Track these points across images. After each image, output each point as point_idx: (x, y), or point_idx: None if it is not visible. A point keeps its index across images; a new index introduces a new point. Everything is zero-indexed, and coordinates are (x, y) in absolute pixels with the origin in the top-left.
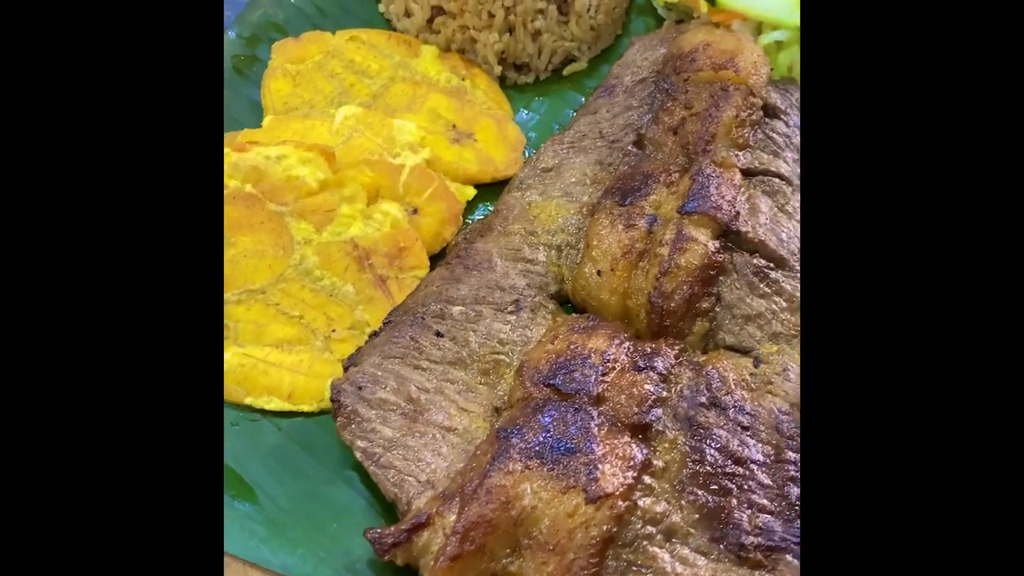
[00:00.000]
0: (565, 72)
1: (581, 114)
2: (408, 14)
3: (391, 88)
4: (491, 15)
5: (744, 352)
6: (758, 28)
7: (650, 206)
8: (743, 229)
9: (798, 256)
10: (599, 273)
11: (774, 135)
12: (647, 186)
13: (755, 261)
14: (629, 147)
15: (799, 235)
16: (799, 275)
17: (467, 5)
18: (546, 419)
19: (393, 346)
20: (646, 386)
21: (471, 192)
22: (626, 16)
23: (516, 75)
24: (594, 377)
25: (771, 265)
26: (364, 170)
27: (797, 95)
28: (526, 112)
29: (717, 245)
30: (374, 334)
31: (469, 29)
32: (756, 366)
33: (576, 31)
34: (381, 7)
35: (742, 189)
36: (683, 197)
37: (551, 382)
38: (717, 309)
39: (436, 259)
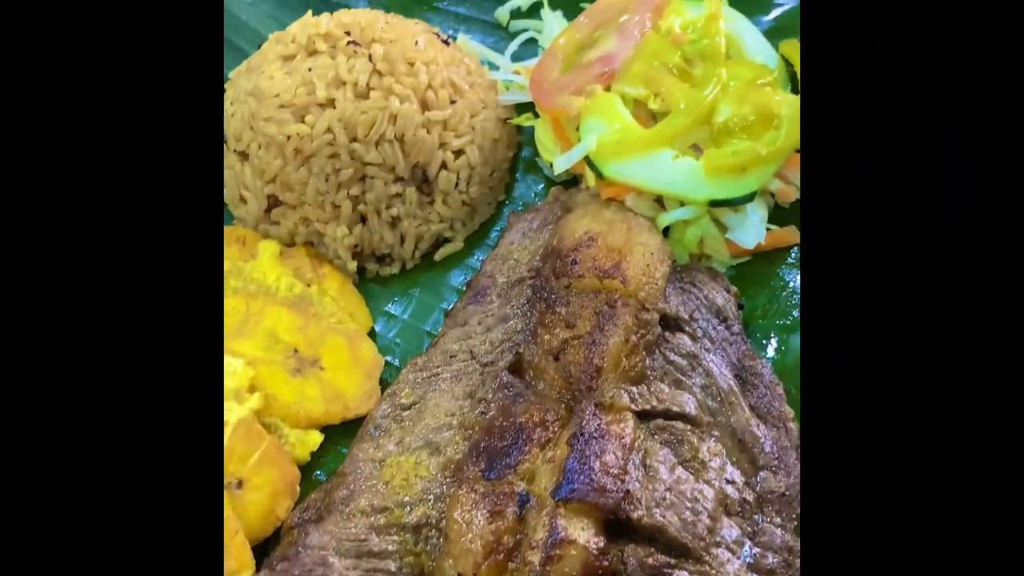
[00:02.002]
0: (437, 256)
1: (449, 326)
2: (243, 201)
3: None
4: (336, 206)
5: None
6: (659, 199)
7: (521, 477)
8: (635, 514)
9: (707, 540)
10: None
11: (676, 357)
12: (518, 447)
13: (650, 560)
14: (504, 374)
15: (711, 502)
16: (708, 566)
17: (306, 196)
18: None
19: None
20: None
21: (316, 440)
22: (510, 175)
23: (377, 266)
24: None
25: (671, 561)
26: None
27: (708, 288)
28: (387, 316)
29: (601, 543)
30: None
31: (313, 222)
32: None
33: (444, 211)
34: None
35: (636, 444)
36: (559, 469)
37: None
38: None
39: (268, 543)
